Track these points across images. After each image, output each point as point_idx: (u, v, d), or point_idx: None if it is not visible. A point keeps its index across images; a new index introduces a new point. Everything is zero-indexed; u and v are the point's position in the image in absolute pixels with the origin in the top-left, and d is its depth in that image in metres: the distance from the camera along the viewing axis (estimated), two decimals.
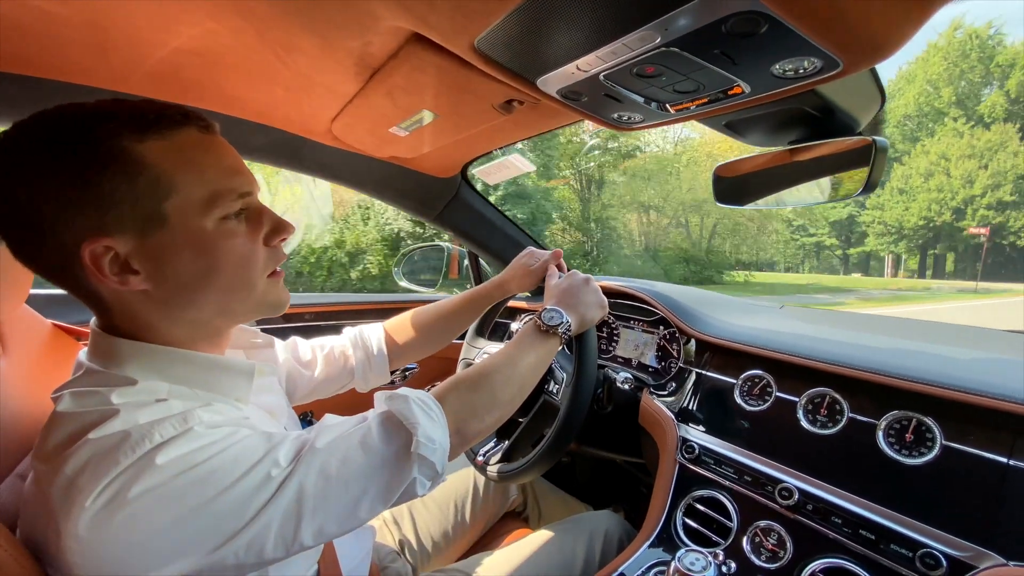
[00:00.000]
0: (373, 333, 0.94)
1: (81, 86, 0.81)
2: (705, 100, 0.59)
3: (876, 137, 0.59)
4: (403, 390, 0.58)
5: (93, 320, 0.55)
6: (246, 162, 0.60)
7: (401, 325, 0.96)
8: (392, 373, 0.96)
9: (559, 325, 0.74)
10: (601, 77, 0.56)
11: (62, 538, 0.40)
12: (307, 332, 1.36)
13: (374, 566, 0.84)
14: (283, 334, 1.27)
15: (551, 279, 0.87)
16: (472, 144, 1.06)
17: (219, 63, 0.78)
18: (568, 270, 0.91)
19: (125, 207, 0.46)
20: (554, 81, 0.60)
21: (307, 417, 0.83)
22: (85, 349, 0.55)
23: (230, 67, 0.79)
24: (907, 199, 29.02)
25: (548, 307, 0.77)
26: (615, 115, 0.68)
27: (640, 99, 0.61)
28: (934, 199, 27.57)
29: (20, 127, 0.46)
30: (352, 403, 0.91)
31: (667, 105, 0.62)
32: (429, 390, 0.62)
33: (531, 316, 0.76)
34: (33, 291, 0.82)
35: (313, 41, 0.69)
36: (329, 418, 0.56)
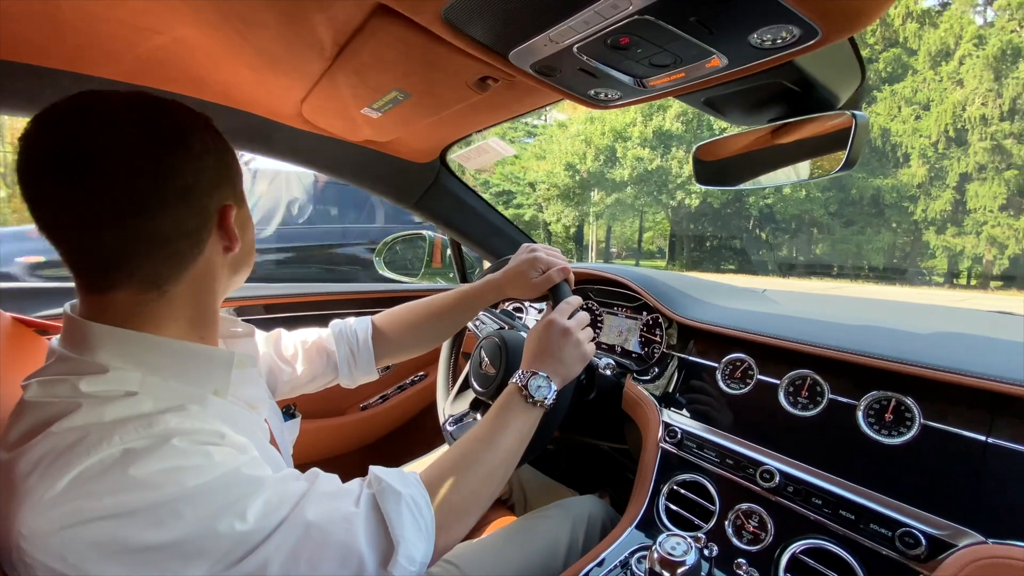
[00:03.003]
0: (360, 327, 0.91)
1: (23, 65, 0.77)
2: (683, 74, 0.57)
3: (856, 112, 0.57)
4: (396, 478, 0.54)
5: (67, 305, 0.53)
6: None
7: (391, 320, 0.92)
8: (384, 370, 0.93)
9: (545, 398, 0.70)
10: (575, 49, 0.54)
11: (11, 534, 0.39)
12: (292, 323, 1.33)
13: None
14: (267, 325, 1.24)
15: (556, 296, 0.80)
16: (449, 127, 1.03)
17: (179, 41, 0.74)
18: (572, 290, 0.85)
19: (238, 181, 0.57)
20: (527, 54, 0.57)
21: (290, 410, 0.81)
22: (57, 337, 0.52)
23: (191, 46, 0.76)
24: None
25: (531, 371, 0.71)
26: (592, 92, 0.66)
27: (616, 73, 0.58)
28: None
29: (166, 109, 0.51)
30: (336, 398, 0.89)
31: (644, 80, 0.60)
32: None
33: (513, 379, 0.71)
34: None
35: (273, 15, 0.66)
36: (324, 482, 0.52)
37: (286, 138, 1.02)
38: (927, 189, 16.78)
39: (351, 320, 0.92)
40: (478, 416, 1.06)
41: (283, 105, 0.92)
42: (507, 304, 1.37)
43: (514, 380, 0.71)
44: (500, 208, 1.45)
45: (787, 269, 20.99)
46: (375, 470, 0.55)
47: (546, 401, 0.70)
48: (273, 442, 0.66)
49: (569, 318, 0.77)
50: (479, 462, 0.63)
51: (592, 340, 0.79)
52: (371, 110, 0.86)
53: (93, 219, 0.46)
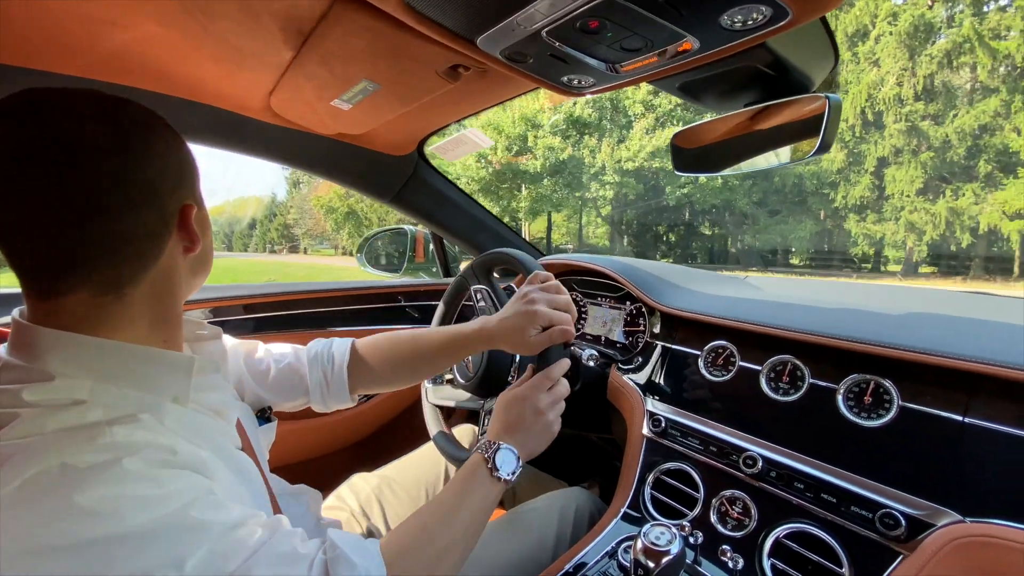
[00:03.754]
0: (338, 352, 0.85)
1: None
2: (655, 59, 0.56)
3: (829, 95, 0.57)
4: (353, 548, 0.51)
5: (16, 311, 0.50)
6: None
7: (373, 350, 0.86)
8: (364, 398, 0.88)
9: (512, 473, 0.66)
10: (544, 34, 0.52)
11: None
12: (272, 324, 1.30)
13: None
14: (246, 326, 1.21)
15: (544, 359, 0.74)
16: (424, 118, 1.01)
17: (140, 36, 0.71)
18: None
19: (197, 180, 0.55)
20: (495, 40, 0.56)
21: (265, 413, 0.78)
22: (5, 344, 0.49)
23: (153, 40, 0.73)
24: None
25: (499, 443, 0.68)
26: (564, 78, 0.64)
27: (588, 59, 0.57)
28: None
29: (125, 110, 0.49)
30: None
31: (617, 65, 0.59)
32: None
33: (478, 448, 0.68)
34: None
35: (235, 5, 0.63)
36: (281, 540, 0.47)
37: (256, 132, 0.99)
38: (846, 175, 16.24)
39: (332, 342, 0.86)
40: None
41: (251, 98, 0.89)
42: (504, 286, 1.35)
43: (479, 450, 0.67)
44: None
45: (721, 261, 20.66)
46: (333, 536, 0.51)
47: (512, 477, 0.66)
48: (248, 448, 0.64)
49: (549, 389, 0.73)
50: (439, 535, 0.60)
51: (562, 413, 0.74)
52: (341, 102, 0.83)
53: (51, 220, 0.43)
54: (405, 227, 1.61)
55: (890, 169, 14.96)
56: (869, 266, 18.22)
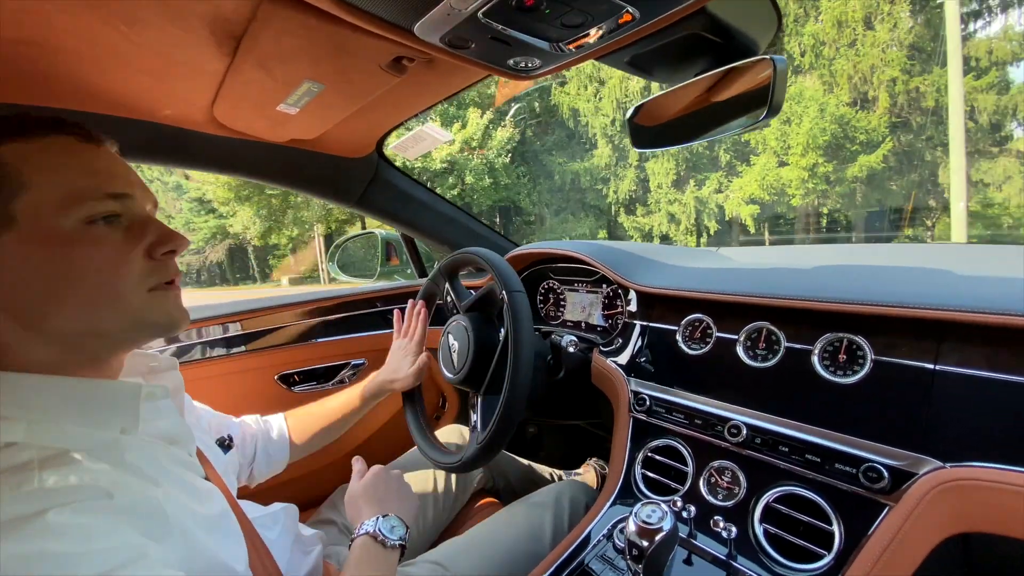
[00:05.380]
0: (274, 421, 0.95)
1: None
2: (599, 33, 0.55)
3: (775, 56, 0.56)
4: None
5: None
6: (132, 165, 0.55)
7: (301, 422, 0.97)
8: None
9: (402, 538, 0.70)
10: (480, 15, 0.50)
11: None
12: (249, 340, 1.26)
13: (331, 568, 0.80)
14: (223, 345, 1.17)
15: None
16: (378, 117, 0.98)
17: (61, 51, 0.67)
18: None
19: None
20: (433, 26, 0.54)
21: (224, 442, 0.76)
22: None
23: (74, 54, 0.68)
24: None
25: (380, 515, 0.71)
26: (511, 62, 0.62)
27: (530, 39, 0.55)
28: None
29: None
30: None
31: (560, 44, 0.57)
32: None
33: (359, 531, 0.71)
34: None
35: (155, 10, 0.60)
36: None
37: (203, 146, 0.95)
38: (614, 170, 15.81)
39: (265, 418, 0.95)
40: None
41: (192, 111, 0.86)
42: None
43: (360, 531, 0.70)
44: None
45: None
46: None
47: (403, 541, 0.70)
48: (215, 477, 0.62)
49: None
50: None
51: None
52: (287, 106, 0.80)
53: None
54: (375, 231, 1.58)
55: (649, 163, 15.07)
56: None
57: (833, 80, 12.32)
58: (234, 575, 0.56)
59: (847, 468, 0.65)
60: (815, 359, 0.73)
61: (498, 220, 18.62)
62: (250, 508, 0.72)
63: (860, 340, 0.70)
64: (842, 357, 0.71)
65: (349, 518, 0.76)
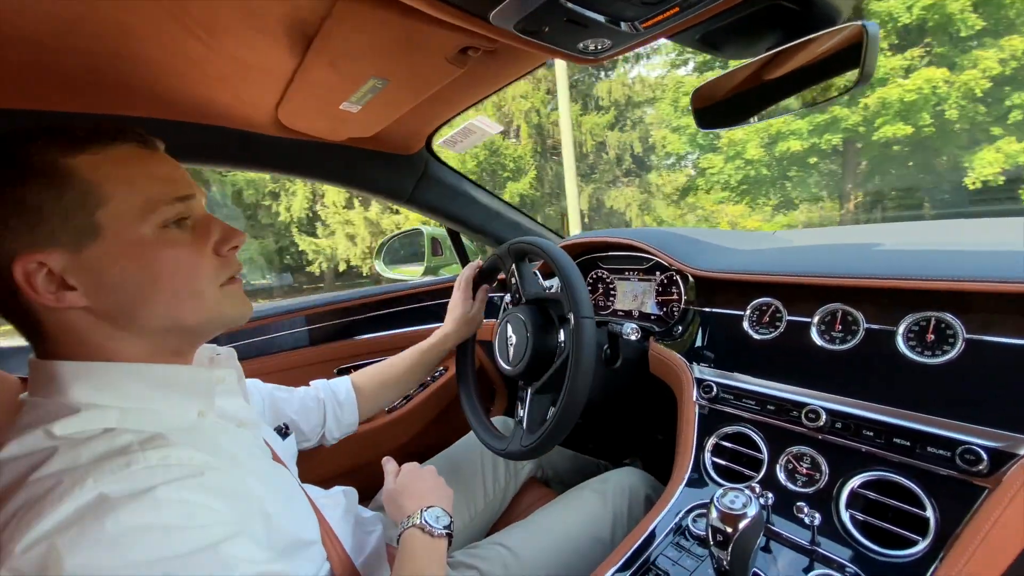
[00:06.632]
0: (340, 385, 0.97)
1: None
2: (677, 8, 0.54)
3: (865, 22, 0.54)
4: None
5: (32, 355, 0.51)
6: (193, 167, 0.57)
7: (368, 379, 1.01)
8: (400, 403, 0.99)
9: (447, 527, 0.71)
10: None
11: None
12: (298, 340, 1.30)
13: (392, 551, 0.82)
14: (273, 345, 1.21)
15: None
16: (432, 112, 0.99)
17: (141, 61, 0.70)
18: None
19: (55, 221, 0.45)
20: (509, 13, 0.54)
21: (281, 430, 0.79)
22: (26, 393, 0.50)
23: (154, 64, 0.72)
24: None
25: (422, 507, 0.72)
26: (582, 44, 0.62)
27: (606, 19, 0.55)
28: None
29: None
30: None
31: (636, 23, 0.57)
32: None
33: (405, 525, 0.71)
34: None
35: (235, 15, 0.62)
36: None
37: (265, 148, 0.98)
38: (283, 184, 13.97)
39: (330, 382, 0.98)
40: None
41: (258, 113, 0.88)
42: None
43: (407, 525, 0.70)
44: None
45: None
46: None
47: (449, 530, 0.71)
48: (278, 460, 0.66)
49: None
50: None
51: None
52: (350, 104, 0.82)
53: None
54: (420, 227, 1.60)
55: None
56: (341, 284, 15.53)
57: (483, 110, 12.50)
58: (309, 547, 0.60)
59: (941, 451, 0.63)
60: (899, 340, 0.70)
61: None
62: (312, 491, 0.75)
63: (950, 318, 0.67)
64: (930, 337, 0.68)
65: (391, 516, 0.77)
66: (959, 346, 0.66)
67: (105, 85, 0.75)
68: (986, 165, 8.31)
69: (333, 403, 0.93)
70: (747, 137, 9.97)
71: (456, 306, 1.06)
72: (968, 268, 0.66)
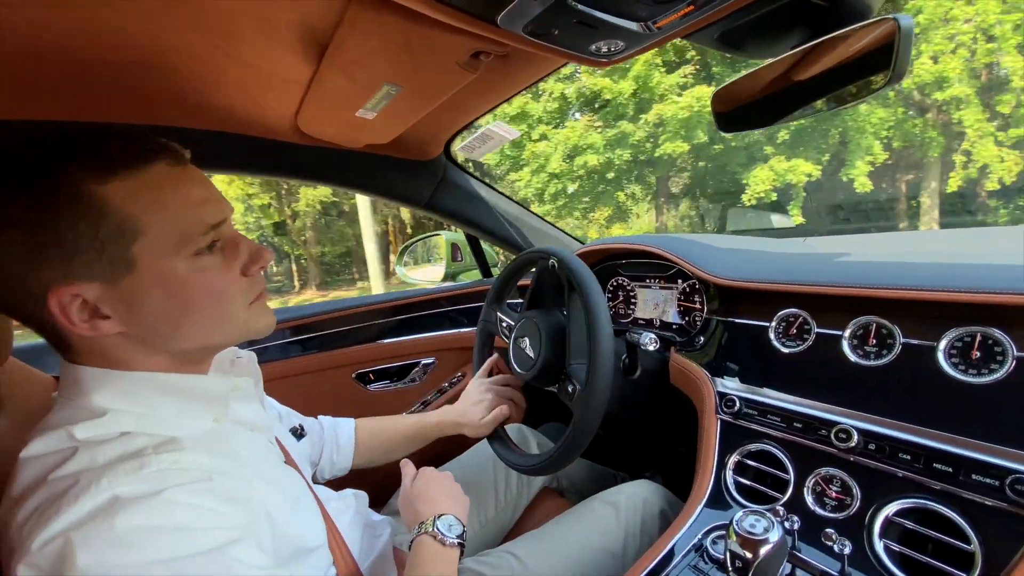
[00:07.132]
0: (344, 428, 0.96)
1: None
2: (691, 7, 0.51)
3: (898, 16, 0.50)
4: None
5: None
6: (215, 175, 0.58)
7: (372, 432, 0.98)
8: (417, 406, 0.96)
9: (460, 536, 0.69)
10: None
11: None
12: (319, 344, 1.32)
13: (400, 555, 0.82)
14: (294, 348, 1.23)
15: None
16: (448, 118, 0.99)
17: (166, 70, 0.72)
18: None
19: (91, 254, 0.45)
20: (517, 15, 0.52)
21: (296, 431, 0.80)
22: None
23: (179, 72, 0.74)
24: None
25: (436, 515, 0.71)
26: (594, 46, 0.60)
27: (618, 20, 0.53)
28: None
29: None
30: (380, 412, 0.89)
31: (651, 23, 0.54)
32: None
33: (417, 531, 0.70)
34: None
35: (250, 24, 0.63)
36: None
37: (286, 156, 1.00)
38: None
39: (337, 422, 0.97)
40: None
41: (278, 121, 0.90)
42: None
43: (419, 531, 0.69)
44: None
45: None
46: None
47: (461, 539, 0.69)
48: (291, 463, 0.66)
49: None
50: None
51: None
52: (366, 111, 0.82)
53: None
54: (440, 233, 1.60)
55: None
56: None
57: None
58: (312, 553, 0.61)
59: (989, 480, 0.57)
60: (940, 356, 0.65)
61: None
62: (322, 492, 0.75)
63: (998, 334, 0.61)
64: (976, 354, 0.63)
65: (405, 521, 0.77)
66: (1009, 364, 0.60)
67: (131, 93, 0.77)
68: (759, 183, 8.81)
69: (332, 446, 0.93)
70: (549, 149, 9.97)
71: (469, 398, 1.02)
72: (1014, 280, 0.60)
